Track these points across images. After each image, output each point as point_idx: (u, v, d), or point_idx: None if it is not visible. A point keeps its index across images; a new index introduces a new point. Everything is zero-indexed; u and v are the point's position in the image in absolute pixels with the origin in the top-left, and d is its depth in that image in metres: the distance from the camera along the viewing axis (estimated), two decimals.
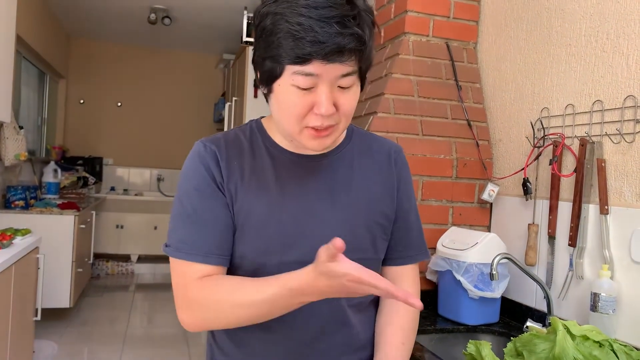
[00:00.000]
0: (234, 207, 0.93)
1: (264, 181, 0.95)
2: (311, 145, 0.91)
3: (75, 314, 4.26)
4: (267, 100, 0.93)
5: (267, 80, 0.88)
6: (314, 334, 0.96)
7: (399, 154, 1.08)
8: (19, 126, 3.79)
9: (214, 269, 0.92)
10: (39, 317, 2.81)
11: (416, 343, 1.50)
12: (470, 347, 1.26)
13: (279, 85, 0.86)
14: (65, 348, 3.62)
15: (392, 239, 1.05)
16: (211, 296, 0.89)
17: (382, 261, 1.06)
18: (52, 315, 3.96)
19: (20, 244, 2.53)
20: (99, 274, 5.65)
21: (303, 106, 0.85)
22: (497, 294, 1.73)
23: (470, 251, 1.72)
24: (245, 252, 0.93)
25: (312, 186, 0.96)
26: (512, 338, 1.24)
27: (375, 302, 1.09)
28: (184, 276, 0.92)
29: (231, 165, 0.95)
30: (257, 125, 1.02)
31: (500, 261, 1.56)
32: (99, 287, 5.23)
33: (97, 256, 5.51)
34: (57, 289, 3.73)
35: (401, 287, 1.05)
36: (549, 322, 1.58)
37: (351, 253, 0.95)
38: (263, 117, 1.04)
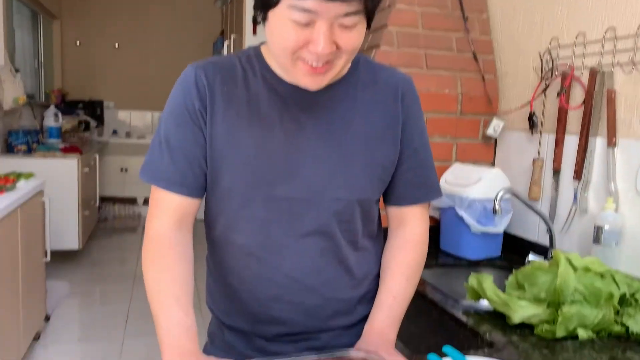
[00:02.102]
0: (218, 136, 0.89)
1: (256, 111, 0.90)
2: (305, 83, 0.86)
3: (85, 256, 4.35)
4: (262, 24, 0.87)
5: (261, 6, 0.83)
6: (305, 272, 0.95)
7: (408, 87, 0.99)
8: (15, 69, 3.71)
9: (179, 198, 0.91)
10: (48, 259, 2.87)
11: None
12: (472, 279, 1.27)
13: (274, 15, 0.81)
14: (78, 288, 3.73)
15: (402, 178, 1.00)
16: (149, 266, 0.91)
17: (390, 200, 1.03)
18: (62, 257, 4.05)
19: (24, 187, 2.54)
20: (106, 217, 5.73)
21: (297, 41, 0.80)
22: (499, 229, 1.73)
23: (473, 187, 1.71)
24: (233, 184, 0.90)
25: (308, 121, 0.91)
26: (513, 271, 1.25)
27: (372, 240, 1.05)
28: (155, 202, 0.94)
29: (219, 92, 0.90)
30: (255, 53, 0.95)
31: (504, 196, 1.55)
32: (107, 230, 5.32)
33: (104, 199, 5.56)
34: (65, 231, 3.79)
35: (408, 227, 1.04)
36: (551, 256, 1.59)
37: (345, 192, 0.93)
38: (263, 43, 0.97)
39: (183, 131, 0.90)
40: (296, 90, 0.91)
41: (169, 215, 0.92)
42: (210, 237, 1.00)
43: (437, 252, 1.84)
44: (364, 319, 1.01)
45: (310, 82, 0.85)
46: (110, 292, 3.69)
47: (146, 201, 5.92)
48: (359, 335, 0.98)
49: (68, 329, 3.09)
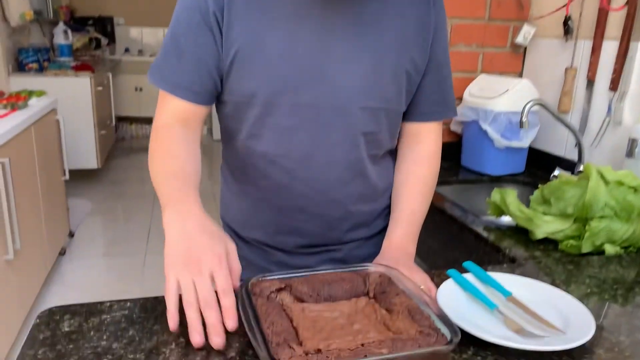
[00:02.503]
0: (238, 37, 0.82)
1: (281, 10, 0.82)
2: None
3: (104, 175, 4.41)
4: None
5: None
6: (330, 184, 0.92)
7: None
8: None
9: (185, 103, 0.85)
10: (67, 177, 2.89)
11: (437, 193, 1.47)
12: (495, 195, 1.22)
13: None
14: (99, 206, 3.81)
15: (422, 92, 0.95)
16: (160, 145, 0.85)
17: (407, 115, 0.97)
18: (82, 177, 4.10)
19: (36, 105, 2.50)
20: (123, 136, 5.74)
21: None
22: (525, 143, 1.65)
23: (499, 99, 1.61)
24: (256, 88, 0.84)
25: (336, 22, 0.83)
26: (539, 186, 1.19)
27: (392, 156, 1.02)
28: (162, 104, 0.88)
29: None
30: None
31: (532, 108, 1.45)
32: (125, 149, 5.35)
33: (120, 119, 5.55)
34: (83, 150, 3.80)
35: (423, 144, 0.99)
36: (579, 171, 1.52)
37: (374, 101, 0.88)
38: None
39: (194, 34, 0.83)
40: None
41: (175, 117, 0.87)
42: (228, 146, 0.96)
43: (457, 168, 1.78)
44: (383, 230, 1.00)
45: None
46: (131, 210, 3.76)
47: None
48: (378, 245, 0.96)
49: (92, 244, 3.18)
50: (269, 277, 0.76)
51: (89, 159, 3.90)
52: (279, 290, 0.75)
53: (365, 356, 0.60)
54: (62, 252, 2.94)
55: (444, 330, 0.65)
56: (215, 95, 0.89)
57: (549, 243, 1.11)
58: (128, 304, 0.79)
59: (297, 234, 0.95)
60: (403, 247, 0.92)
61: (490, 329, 0.73)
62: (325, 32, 0.83)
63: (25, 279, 2.17)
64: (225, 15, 0.81)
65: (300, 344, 0.65)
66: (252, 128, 0.88)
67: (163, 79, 0.86)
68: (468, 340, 0.71)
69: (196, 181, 0.82)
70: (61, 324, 0.73)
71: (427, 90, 0.95)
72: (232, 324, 0.65)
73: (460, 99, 1.76)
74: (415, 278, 0.82)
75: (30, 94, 2.57)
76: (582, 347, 0.70)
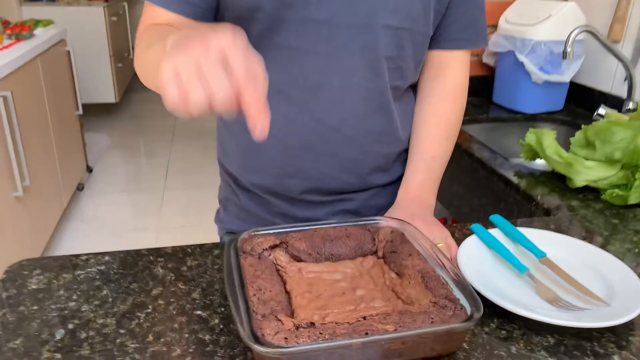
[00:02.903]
0: None
1: None
2: None
3: (123, 109, 4.34)
4: None
5: None
6: (344, 118, 0.79)
7: None
8: None
9: (176, 17, 0.71)
10: (80, 112, 2.81)
11: (463, 133, 1.33)
12: (530, 136, 1.07)
13: None
14: (118, 141, 3.76)
15: (450, 15, 0.81)
16: (139, 48, 0.70)
17: (432, 42, 0.84)
18: (100, 111, 4.04)
19: (42, 35, 2.38)
20: None
21: None
22: (566, 77, 1.47)
23: (540, 26, 1.42)
24: (259, 1, 0.71)
25: None
26: (582, 126, 1.04)
27: (413, 89, 0.88)
28: (145, 14, 0.74)
29: None
30: None
31: (578, 36, 1.27)
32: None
33: None
34: (100, 84, 3.71)
35: (449, 76, 0.86)
36: (628, 109, 1.35)
37: (398, 19, 0.74)
38: None
39: None
40: None
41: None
42: None
43: (488, 105, 1.62)
44: (402, 177, 0.87)
45: None
46: (150, 145, 3.70)
47: None
48: (397, 195, 0.84)
49: (111, 180, 3.15)
50: (262, 232, 0.66)
51: (107, 93, 3.81)
52: (274, 247, 0.65)
53: (367, 334, 0.50)
54: (81, 188, 2.92)
55: (464, 301, 0.54)
56: (213, 12, 0.75)
57: (590, 192, 0.98)
58: (106, 257, 0.70)
59: (303, 177, 0.83)
60: (421, 197, 0.81)
61: (518, 298, 0.62)
62: None
63: (39, 215, 2.15)
64: None
65: (293, 313, 0.56)
66: (255, 50, 0.75)
67: None
68: (492, 310, 0.61)
69: None
70: (29, 280, 0.65)
71: (455, 13, 0.81)
72: (262, 124, 0.49)
73: (495, 26, 1.56)
74: (433, 234, 0.71)
75: (36, 23, 2.45)
76: (630, 323, 0.59)
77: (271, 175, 0.85)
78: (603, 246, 0.78)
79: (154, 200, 2.91)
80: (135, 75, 5.48)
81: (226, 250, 0.62)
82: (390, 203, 0.83)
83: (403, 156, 0.89)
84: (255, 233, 0.66)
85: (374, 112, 0.81)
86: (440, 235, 0.72)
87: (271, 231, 0.67)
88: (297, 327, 0.51)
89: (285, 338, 0.49)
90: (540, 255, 0.69)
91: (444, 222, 1.48)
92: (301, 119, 0.79)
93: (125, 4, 4.40)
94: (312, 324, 0.52)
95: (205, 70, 0.45)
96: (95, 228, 2.61)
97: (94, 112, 3.97)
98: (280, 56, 0.75)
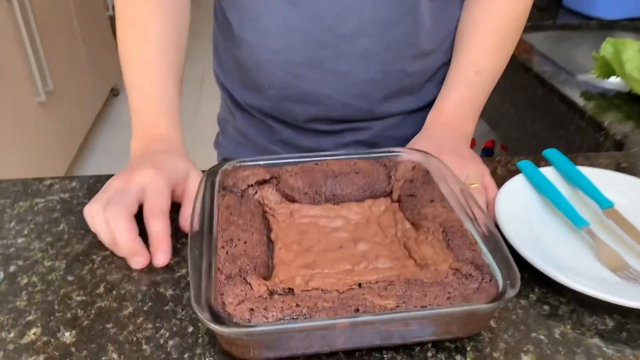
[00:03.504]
0: None
1: None
2: None
3: None
4: None
5: None
6: (362, 25, 0.62)
7: None
8: None
9: None
10: (111, 12, 2.67)
11: (522, 42, 1.12)
12: (606, 46, 0.87)
13: None
14: None
15: None
16: (123, 39, 0.62)
17: None
18: None
19: None
20: None
21: None
22: None
23: None
24: None
25: None
26: None
27: None
28: None
29: None
30: None
31: None
32: None
33: None
34: None
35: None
36: None
37: None
38: None
39: None
40: None
41: None
42: (227, 43, 0.71)
43: (556, 9, 1.37)
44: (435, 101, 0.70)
45: None
46: (189, 51, 3.56)
47: None
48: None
49: None
50: (249, 163, 0.53)
51: None
52: (262, 183, 0.52)
53: (357, 310, 0.38)
54: (116, 93, 2.86)
55: (495, 270, 0.41)
56: None
57: None
58: (73, 183, 0.60)
59: (308, 101, 0.68)
60: (455, 123, 0.64)
61: (571, 263, 0.48)
62: None
63: (67, 121, 2.10)
64: None
65: (271, 271, 0.44)
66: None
67: None
68: (533, 276, 0.47)
69: (176, 83, 0.62)
70: None
71: None
72: (162, 258, 0.48)
73: None
74: (466, 171, 0.55)
75: None
76: None
77: (270, 98, 0.70)
78: None
79: (189, 109, 2.82)
80: None
81: (202, 183, 0.49)
82: (415, 134, 0.66)
83: (439, 75, 0.72)
84: (241, 164, 0.53)
85: (401, 16, 0.63)
86: (475, 172, 0.56)
87: (261, 162, 0.54)
88: (272, 294, 0.40)
89: (251, 309, 0.38)
90: (606, 205, 0.53)
91: (491, 145, 1.31)
92: (305, 27, 0.62)
93: None
94: (291, 290, 0.40)
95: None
96: (128, 136, 2.57)
97: None
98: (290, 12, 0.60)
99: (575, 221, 0.51)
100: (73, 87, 2.17)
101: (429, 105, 0.70)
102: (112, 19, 2.79)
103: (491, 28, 0.67)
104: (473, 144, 1.27)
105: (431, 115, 0.66)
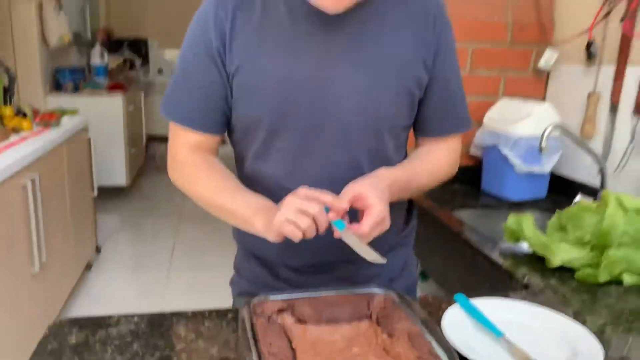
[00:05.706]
0: (241, 67, 0.86)
1: (278, 36, 0.85)
2: (323, 3, 0.80)
3: (134, 192, 4.51)
4: None
5: None
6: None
7: (440, 11, 0.93)
8: (59, 6, 3.73)
9: (196, 135, 0.92)
10: (95, 194, 2.97)
11: (455, 218, 1.46)
12: (511, 220, 1.20)
13: None
14: (127, 222, 3.89)
15: (433, 109, 0.96)
16: (194, 179, 0.93)
17: (420, 131, 0.99)
18: (111, 193, 4.20)
19: (68, 123, 2.60)
20: (154, 155, 5.87)
21: None
22: (545, 168, 1.62)
23: (520, 124, 1.60)
24: (260, 114, 0.87)
25: (335, 43, 0.85)
26: (557, 212, 1.16)
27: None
28: (175, 135, 0.95)
29: (239, 22, 0.85)
30: None
31: (553, 133, 1.43)
32: (154, 168, 5.46)
33: (151, 138, 5.68)
34: (113, 168, 3.91)
35: (438, 157, 0.99)
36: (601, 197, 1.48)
37: (375, 120, 0.89)
38: None
39: (201, 68, 0.88)
40: (321, 13, 0.83)
41: (187, 148, 0.93)
42: (239, 169, 1.00)
43: (478, 193, 1.76)
44: (390, 249, 0.99)
45: (330, 4, 0.79)
46: (158, 226, 3.82)
47: None
48: (385, 265, 0.94)
49: (118, 259, 3.24)
50: (271, 298, 0.77)
51: (119, 176, 4.01)
52: (281, 311, 0.76)
53: None
54: (89, 267, 3.01)
55: (443, 356, 0.64)
56: (226, 124, 0.93)
57: (566, 271, 1.08)
58: (135, 318, 0.80)
59: (302, 254, 0.95)
60: (383, 180, 0.85)
61: (495, 358, 0.71)
62: (324, 55, 0.85)
63: (51, 292, 2.22)
64: (227, 47, 0.86)
65: None
66: (259, 151, 0.91)
67: (176, 113, 0.93)
68: None
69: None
70: (69, 337, 0.75)
71: (437, 107, 0.95)
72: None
73: (480, 121, 1.75)
74: (373, 209, 0.78)
75: (63, 112, 2.67)
76: None
77: (274, 251, 0.97)
78: (575, 318, 0.88)
79: (159, 279, 2.98)
80: (147, 160, 5.67)
81: (241, 312, 0.72)
82: (377, 273, 0.96)
83: (391, 229, 1.00)
84: (266, 299, 0.77)
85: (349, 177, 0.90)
86: (377, 212, 0.78)
87: (279, 297, 0.77)
88: None
89: None
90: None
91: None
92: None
93: (142, 94, 4.74)
94: None
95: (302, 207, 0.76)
96: (101, 305, 2.66)
97: (107, 194, 4.13)
98: (279, 157, 0.90)
99: (495, 333, 0.76)
100: (60, 262, 2.34)
101: (386, 252, 0.96)
102: (97, 200, 3.08)
103: (429, 162, 0.97)
104: None
105: (380, 171, 0.88)
